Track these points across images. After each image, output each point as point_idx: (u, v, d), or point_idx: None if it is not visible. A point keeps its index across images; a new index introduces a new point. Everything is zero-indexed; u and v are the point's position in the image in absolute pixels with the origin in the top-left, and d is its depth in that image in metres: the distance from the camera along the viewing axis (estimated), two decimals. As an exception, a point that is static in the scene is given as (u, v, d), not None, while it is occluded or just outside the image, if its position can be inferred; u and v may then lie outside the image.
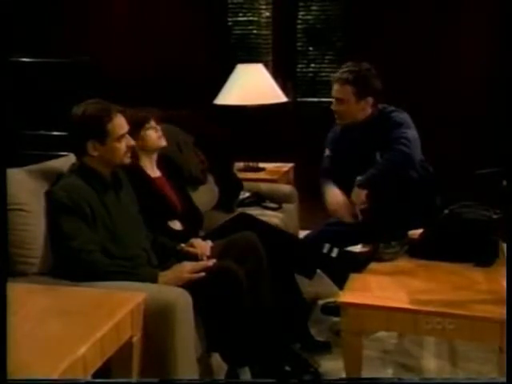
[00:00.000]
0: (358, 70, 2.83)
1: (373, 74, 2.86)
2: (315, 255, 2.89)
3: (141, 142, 2.75)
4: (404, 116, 2.91)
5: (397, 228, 2.77)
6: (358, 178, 2.82)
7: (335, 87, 2.88)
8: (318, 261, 2.90)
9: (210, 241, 2.70)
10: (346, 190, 2.93)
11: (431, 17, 4.23)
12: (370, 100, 2.85)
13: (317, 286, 3.06)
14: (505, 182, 2.15)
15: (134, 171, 2.69)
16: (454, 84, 4.23)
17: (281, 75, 4.40)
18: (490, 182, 2.48)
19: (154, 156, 2.87)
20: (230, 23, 4.66)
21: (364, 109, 2.85)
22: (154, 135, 2.80)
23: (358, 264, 2.65)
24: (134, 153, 2.58)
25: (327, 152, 3.07)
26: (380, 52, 4.29)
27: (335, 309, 2.97)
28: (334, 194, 2.96)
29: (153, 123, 2.80)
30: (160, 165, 2.91)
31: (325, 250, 2.85)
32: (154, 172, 2.87)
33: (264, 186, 3.88)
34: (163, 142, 2.84)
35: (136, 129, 2.70)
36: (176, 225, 2.80)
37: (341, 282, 2.57)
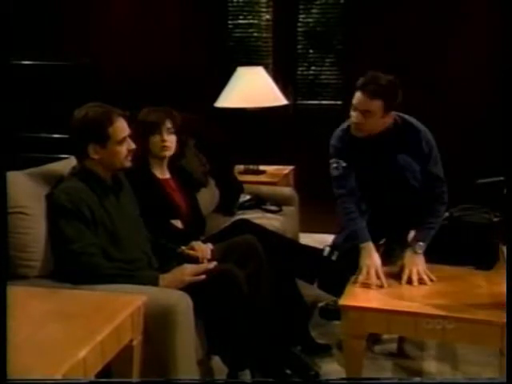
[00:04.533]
0: (388, 84, 2.65)
1: (399, 86, 2.70)
2: (316, 259, 2.89)
3: (149, 145, 2.80)
4: (428, 135, 2.80)
5: (398, 232, 2.77)
6: (416, 244, 2.63)
7: (361, 99, 2.65)
8: (318, 265, 2.90)
9: (211, 244, 2.71)
10: (365, 203, 2.87)
11: (431, 19, 4.24)
12: (393, 113, 2.70)
13: (317, 289, 3.06)
14: (506, 191, 2.14)
15: (142, 171, 2.72)
16: (455, 86, 4.24)
17: (281, 78, 4.40)
18: (491, 191, 2.47)
19: (162, 159, 2.88)
20: (230, 26, 4.67)
21: (385, 122, 2.69)
22: (159, 144, 2.81)
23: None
24: (139, 155, 2.60)
25: (342, 163, 2.79)
26: (380, 55, 4.30)
27: (334, 312, 2.97)
28: (373, 257, 2.61)
29: (164, 131, 2.81)
30: (169, 167, 2.93)
31: (325, 254, 2.85)
32: (163, 173, 2.89)
33: (264, 189, 3.89)
34: (165, 153, 2.85)
35: (145, 132, 2.77)
36: (178, 224, 2.80)
37: (341, 286, 2.56)
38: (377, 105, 2.62)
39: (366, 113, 2.65)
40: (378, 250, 2.67)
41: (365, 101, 2.64)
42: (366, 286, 2.51)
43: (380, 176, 2.78)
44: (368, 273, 2.54)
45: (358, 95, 2.67)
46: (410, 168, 2.76)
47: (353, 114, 2.70)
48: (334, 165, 2.81)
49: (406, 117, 2.81)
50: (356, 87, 2.69)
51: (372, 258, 2.59)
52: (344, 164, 2.79)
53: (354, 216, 2.76)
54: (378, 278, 2.53)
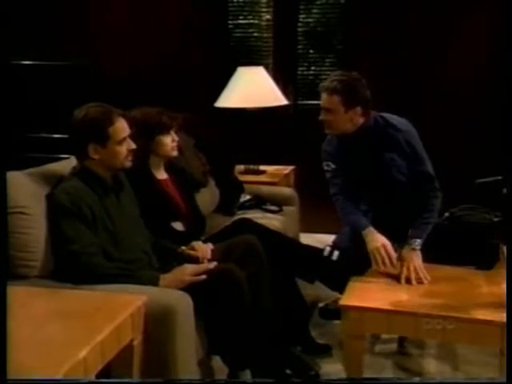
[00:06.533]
0: (346, 80, 2.74)
1: (362, 83, 2.77)
2: (316, 259, 2.89)
3: (154, 146, 2.79)
4: (410, 130, 2.85)
5: (397, 232, 2.77)
6: (413, 241, 2.66)
7: (323, 97, 2.79)
8: (318, 264, 2.90)
9: (211, 244, 2.71)
10: (364, 204, 2.91)
11: (431, 19, 4.23)
12: (359, 110, 2.75)
13: (317, 288, 3.06)
14: (505, 190, 2.14)
15: (141, 172, 2.71)
16: (455, 86, 4.23)
17: (281, 78, 4.41)
18: (491, 190, 2.48)
19: (163, 159, 2.89)
20: (230, 26, 4.66)
21: (352, 119, 2.76)
22: (170, 144, 2.82)
23: (359, 267, 2.65)
24: (140, 155, 2.60)
25: (332, 165, 2.91)
26: (380, 55, 4.30)
27: (334, 312, 2.98)
28: (378, 238, 2.66)
29: (172, 132, 2.83)
30: (167, 167, 2.93)
31: (325, 253, 2.85)
32: (161, 174, 2.89)
33: (265, 189, 3.89)
34: (175, 153, 2.86)
35: (154, 132, 2.76)
36: (178, 226, 2.81)
37: (341, 286, 2.57)
38: (335, 101, 2.74)
39: (328, 110, 2.78)
40: None
41: (325, 98, 2.78)
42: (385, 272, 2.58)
43: (368, 174, 2.84)
44: (380, 254, 2.60)
45: (322, 96, 2.81)
46: (395, 163, 2.81)
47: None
48: (325, 167, 2.94)
49: (389, 117, 2.86)
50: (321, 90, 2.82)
51: (377, 240, 2.65)
52: (333, 166, 2.91)
53: (349, 209, 2.83)
54: (390, 256, 2.60)
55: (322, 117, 2.81)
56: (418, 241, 2.67)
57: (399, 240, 2.74)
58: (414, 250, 2.65)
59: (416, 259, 2.61)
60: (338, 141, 2.90)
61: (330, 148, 2.94)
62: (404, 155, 2.80)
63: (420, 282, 2.55)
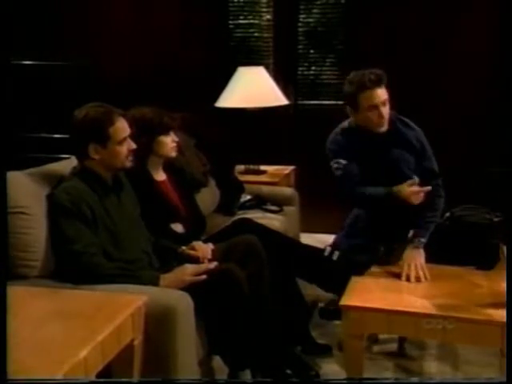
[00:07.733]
0: (380, 71, 2.75)
1: None
2: (316, 259, 2.90)
3: (155, 146, 2.79)
4: (420, 134, 2.89)
5: (399, 231, 2.77)
6: (416, 240, 2.69)
7: (377, 92, 2.72)
8: (319, 264, 2.90)
9: (211, 243, 2.70)
10: None
11: (432, 19, 4.24)
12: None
13: (317, 288, 3.06)
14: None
15: (139, 173, 2.71)
16: (455, 86, 4.24)
17: (282, 78, 4.40)
18: (498, 181, 2.47)
19: (162, 160, 2.88)
20: (231, 26, 4.66)
21: None
22: (170, 144, 2.82)
23: (359, 267, 2.65)
24: (140, 155, 2.60)
25: (342, 161, 2.84)
26: (380, 55, 4.30)
27: (334, 312, 2.98)
28: (404, 185, 2.72)
29: (172, 132, 2.83)
30: (165, 168, 2.93)
31: (326, 253, 2.86)
32: (160, 175, 2.89)
33: (265, 189, 3.89)
34: (174, 153, 2.86)
35: (155, 133, 2.76)
36: (178, 227, 2.80)
37: (341, 286, 2.57)
38: (388, 92, 2.75)
39: (384, 103, 2.75)
40: (378, 251, 2.69)
41: (379, 92, 2.73)
42: None
43: (377, 171, 2.83)
44: (414, 190, 2.65)
45: (373, 93, 2.73)
46: (404, 158, 2.84)
47: (375, 112, 2.74)
48: (335, 165, 2.86)
49: (399, 116, 2.90)
50: (365, 88, 2.73)
51: (404, 186, 2.68)
52: (344, 162, 2.84)
53: (370, 190, 2.79)
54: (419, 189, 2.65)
55: (383, 112, 2.75)
56: (422, 240, 2.69)
57: (402, 239, 2.74)
58: (417, 248, 2.67)
59: (418, 258, 2.62)
60: (347, 139, 2.88)
61: (336, 146, 2.90)
62: (413, 152, 2.84)
63: (418, 280, 2.55)
